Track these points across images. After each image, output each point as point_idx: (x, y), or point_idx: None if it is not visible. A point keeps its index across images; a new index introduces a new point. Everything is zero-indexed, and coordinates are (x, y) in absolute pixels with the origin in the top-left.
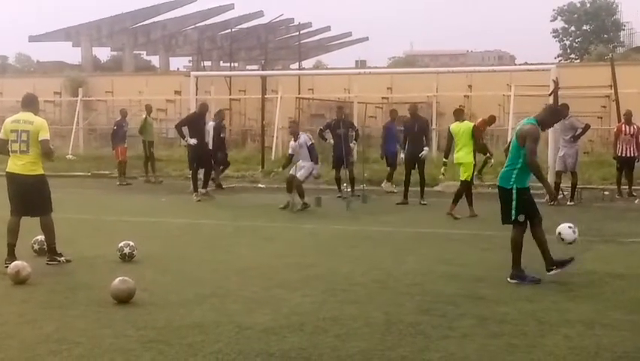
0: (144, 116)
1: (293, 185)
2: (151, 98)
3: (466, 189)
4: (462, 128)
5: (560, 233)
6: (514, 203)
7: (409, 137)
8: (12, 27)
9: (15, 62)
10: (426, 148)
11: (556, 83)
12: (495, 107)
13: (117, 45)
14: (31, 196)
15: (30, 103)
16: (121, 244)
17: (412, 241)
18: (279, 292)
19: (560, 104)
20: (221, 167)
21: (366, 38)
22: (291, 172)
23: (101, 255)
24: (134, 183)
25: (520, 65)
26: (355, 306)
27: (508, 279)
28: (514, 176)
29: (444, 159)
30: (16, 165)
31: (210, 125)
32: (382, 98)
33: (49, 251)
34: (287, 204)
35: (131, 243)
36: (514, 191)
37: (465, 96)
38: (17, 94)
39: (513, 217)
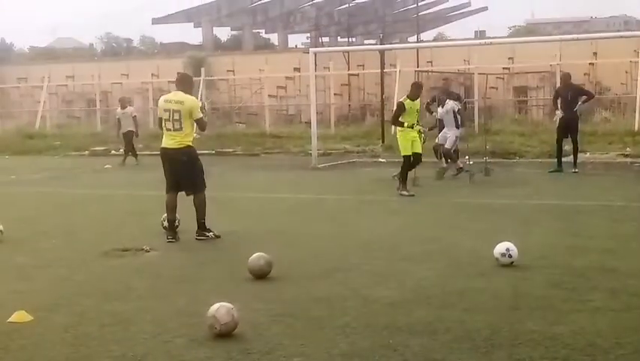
0: None
1: (440, 151)
2: (271, 76)
3: None
4: None
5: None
6: None
7: (563, 103)
8: (137, 11)
9: (139, 45)
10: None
11: None
12: (622, 74)
13: (236, 24)
14: (185, 173)
15: (182, 83)
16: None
17: (538, 213)
18: (403, 266)
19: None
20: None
21: (486, 8)
22: (437, 141)
23: (230, 231)
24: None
25: None
26: (481, 280)
27: None
28: None
29: None
30: (170, 141)
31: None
32: (503, 68)
33: (199, 227)
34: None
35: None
36: None
37: (590, 64)
38: (142, 75)
39: None
